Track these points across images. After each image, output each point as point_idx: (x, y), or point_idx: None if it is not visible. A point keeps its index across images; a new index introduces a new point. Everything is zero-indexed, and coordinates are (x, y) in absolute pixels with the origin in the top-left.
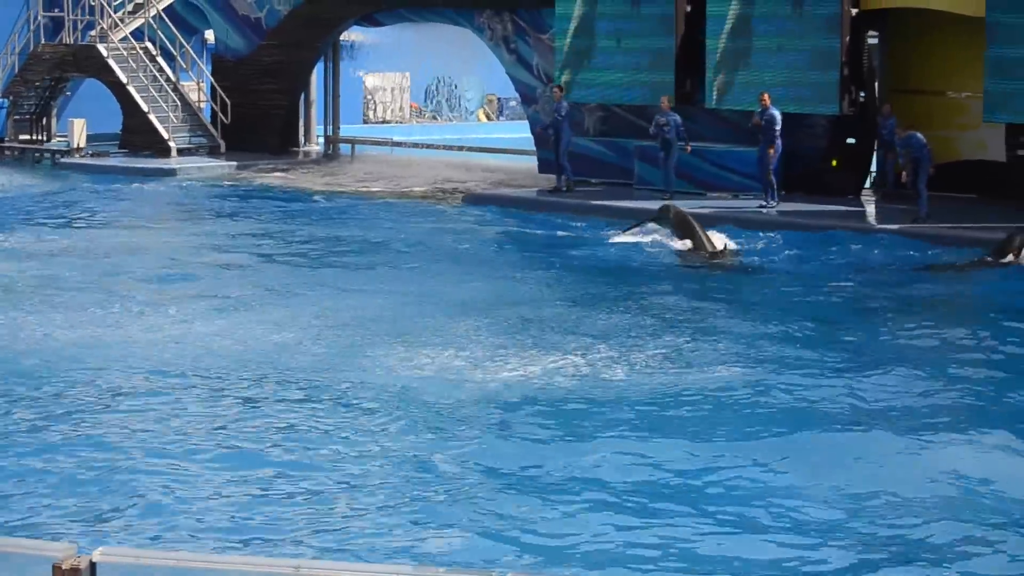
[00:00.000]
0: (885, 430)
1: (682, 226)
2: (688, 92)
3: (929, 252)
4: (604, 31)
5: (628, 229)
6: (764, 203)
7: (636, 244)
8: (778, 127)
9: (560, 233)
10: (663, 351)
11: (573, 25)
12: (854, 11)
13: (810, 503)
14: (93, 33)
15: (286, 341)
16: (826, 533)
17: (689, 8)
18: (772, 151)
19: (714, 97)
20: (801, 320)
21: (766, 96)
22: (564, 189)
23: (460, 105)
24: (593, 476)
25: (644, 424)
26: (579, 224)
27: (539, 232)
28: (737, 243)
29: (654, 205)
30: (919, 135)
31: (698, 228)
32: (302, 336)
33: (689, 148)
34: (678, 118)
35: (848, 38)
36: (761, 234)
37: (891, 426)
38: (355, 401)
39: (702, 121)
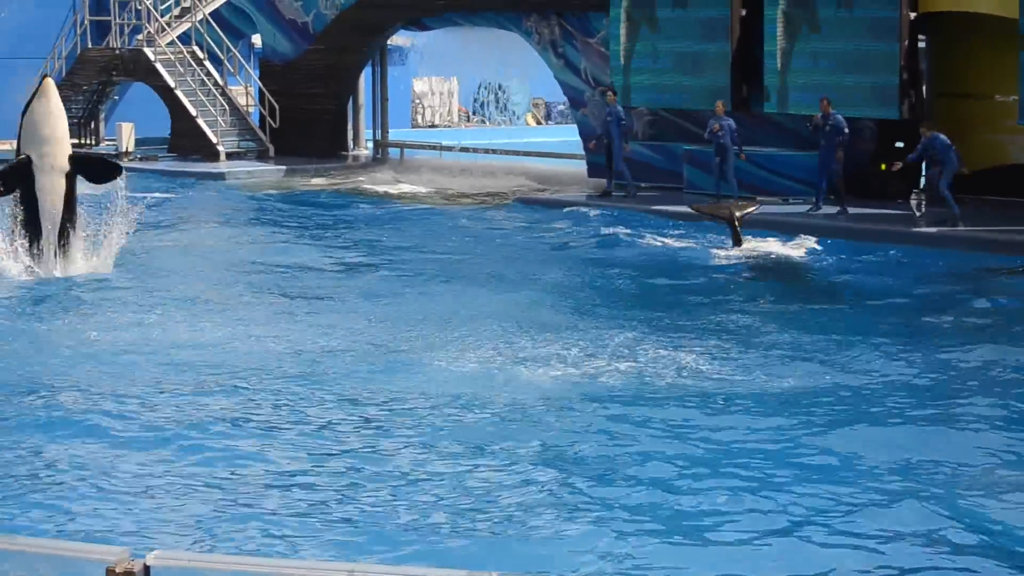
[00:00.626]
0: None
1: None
2: (744, 97)
3: (984, 256)
4: (658, 36)
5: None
6: (815, 207)
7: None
8: (846, 131)
9: (608, 234)
10: (734, 355)
11: (626, 30)
12: (912, 15)
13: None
14: (140, 37)
15: (337, 345)
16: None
17: (744, 12)
18: (840, 156)
19: (771, 102)
20: (880, 322)
21: (826, 101)
22: (624, 194)
23: (508, 109)
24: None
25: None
26: (628, 227)
27: (588, 235)
28: (789, 246)
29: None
30: (943, 136)
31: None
32: (353, 340)
33: (744, 156)
34: (732, 123)
35: (907, 42)
36: (813, 238)
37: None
38: (412, 406)
39: (752, 125)
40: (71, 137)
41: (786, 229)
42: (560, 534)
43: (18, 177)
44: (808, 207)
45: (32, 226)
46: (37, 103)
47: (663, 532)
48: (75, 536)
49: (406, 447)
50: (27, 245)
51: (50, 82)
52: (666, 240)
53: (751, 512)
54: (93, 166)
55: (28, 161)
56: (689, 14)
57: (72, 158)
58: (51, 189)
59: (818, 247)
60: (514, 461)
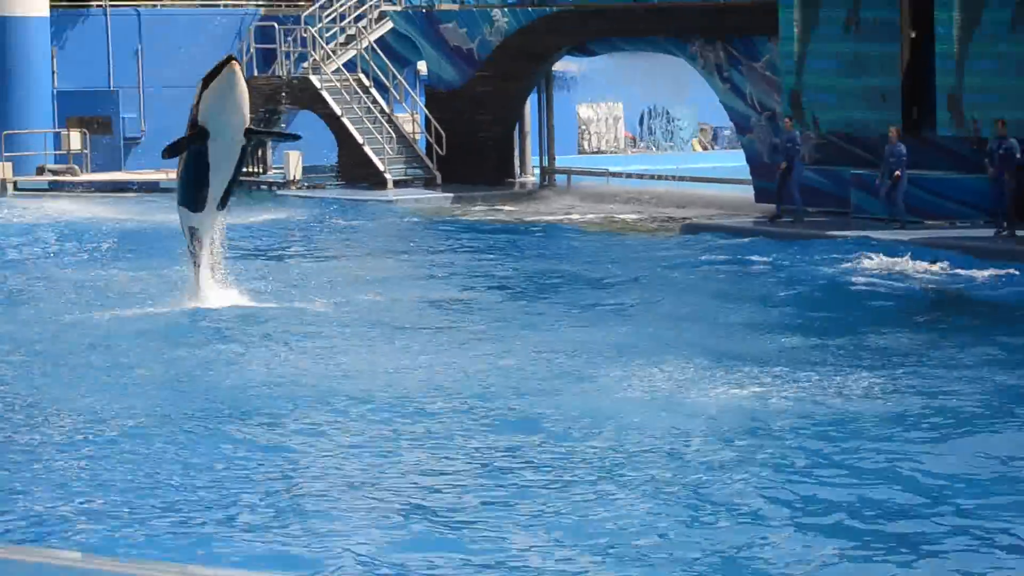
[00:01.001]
0: None
1: None
2: (915, 120)
3: None
4: (828, 63)
5: None
6: (999, 230)
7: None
8: (1018, 155)
9: (777, 261)
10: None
11: (797, 56)
12: None
13: None
14: (306, 65)
15: (511, 371)
16: None
17: (913, 35)
18: (1011, 179)
19: (946, 125)
20: None
21: (1002, 124)
22: (792, 219)
23: (674, 135)
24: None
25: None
26: (799, 252)
27: (757, 261)
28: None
29: (875, 234)
30: (902, 145)
31: None
32: (527, 365)
33: (899, 176)
34: (903, 148)
35: None
36: (990, 263)
37: None
38: (586, 431)
39: (919, 149)
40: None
41: (969, 253)
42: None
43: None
44: (994, 231)
45: (199, 193)
46: (223, 78)
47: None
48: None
49: (586, 474)
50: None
51: (236, 62)
52: (836, 265)
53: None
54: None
55: (205, 133)
56: (859, 39)
57: (248, 130)
58: (225, 157)
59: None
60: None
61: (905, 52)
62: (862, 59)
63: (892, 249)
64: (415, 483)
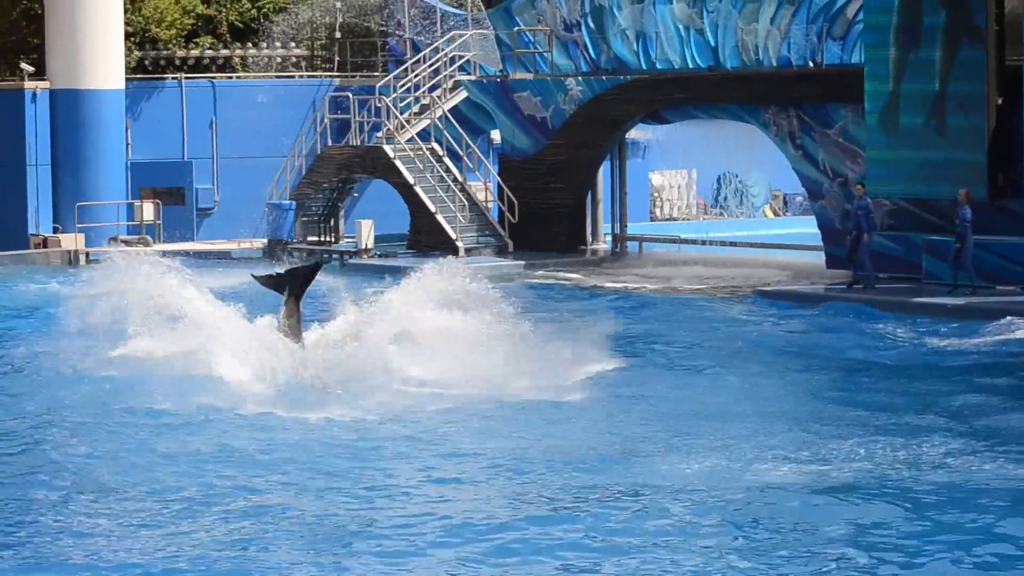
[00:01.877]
0: None
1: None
2: (1001, 186)
3: None
4: (914, 136)
5: None
6: None
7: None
8: None
9: (851, 326)
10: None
11: (881, 128)
12: None
13: None
14: (379, 134)
15: (583, 437)
16: None
17: (1000, 101)
18: None
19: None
20: None
21: None
22: (863, 286)
23: (746, 201)
24: None
25: None
26: (869, 320)
27: (831, 327)
28: None
29: (935, 299)
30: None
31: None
32: (598, 435)
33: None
34: (969, 211)
35: None
36: None
37: None
38: (654, 504)
39: (990, 213)
40: (311, 234)
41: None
42: None
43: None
44: None
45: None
46: None
47: None
48: None
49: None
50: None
51: None
52: (904, 332)
53: None
54: None
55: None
56: (943, 114)
57: None
58: None
59: None
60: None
61: (991, 120)
62: (948, 130)
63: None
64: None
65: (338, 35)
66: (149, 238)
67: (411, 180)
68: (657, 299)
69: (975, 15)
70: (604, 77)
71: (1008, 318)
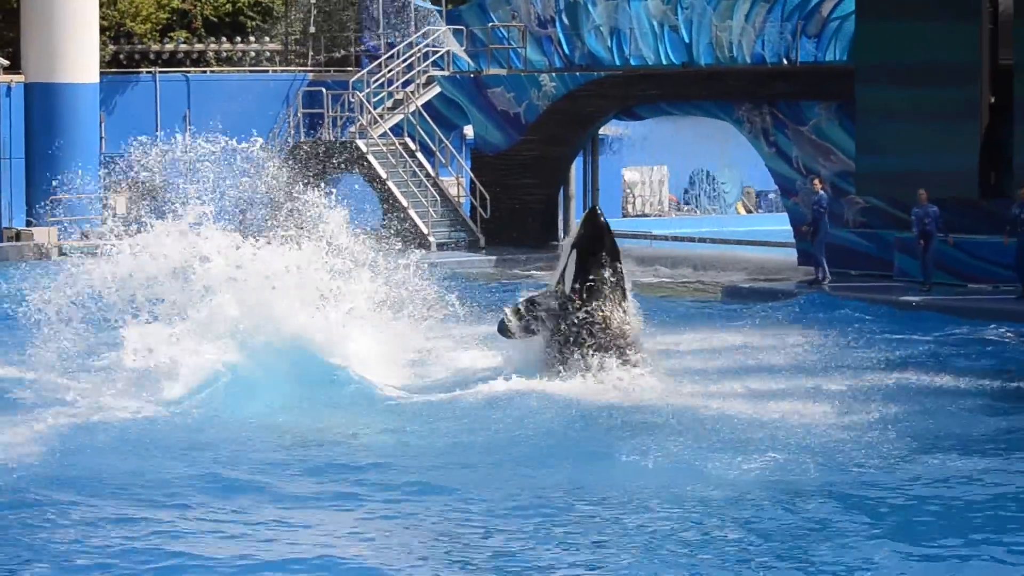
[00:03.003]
0: None
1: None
2: (993, 185)
3: None
4: (905, 135)
5: None
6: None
7: None
8: None
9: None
10: None
11: (872, 127)
12: None
13: None
14: (352, 129)
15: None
16: None
17: (993, 100)
18: None
19: None
20: None
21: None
22: (821, 281)
23: (719, 198)
24: None
25: None
26: (850, 319)
27: (798, 326)
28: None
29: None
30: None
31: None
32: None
33: (952, 241)
34: (936, 210)
35: None
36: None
37: None
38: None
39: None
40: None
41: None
42: None
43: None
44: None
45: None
46: None
47: None
48: None
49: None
50: None
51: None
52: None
53: None
54: None
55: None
56: (934, 108)
57: None
58: None
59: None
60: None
61: (984, 120)
62: (941, 129)
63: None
64: None
65: (312, 30)
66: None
67: (384, 175)
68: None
69: (970, 16)
70: (578, 73)
71: None
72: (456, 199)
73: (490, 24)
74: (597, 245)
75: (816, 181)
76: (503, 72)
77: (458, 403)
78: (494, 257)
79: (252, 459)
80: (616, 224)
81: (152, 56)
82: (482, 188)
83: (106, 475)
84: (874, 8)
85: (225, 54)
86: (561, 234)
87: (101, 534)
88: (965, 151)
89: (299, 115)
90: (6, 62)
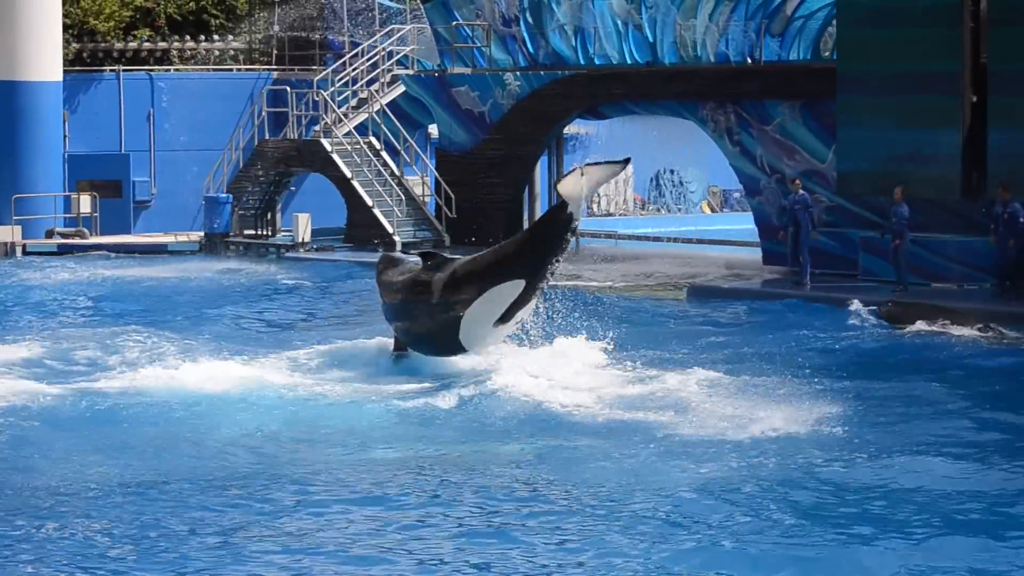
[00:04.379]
0: None
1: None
2: (976, 185)
3: None
4: (887, 134)
5: None
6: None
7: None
8: (1022, 220)
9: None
10: None
11: (853, 126)
12: None
13: None
14: (317, 128)
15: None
16: None
17: (975, 99)
18: (1012, 244)
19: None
20: None
21: (1003, 188)
22: (798, 282)
23: (684, 197)
24: None
25: None
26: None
27: (768, 323)
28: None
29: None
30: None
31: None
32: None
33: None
34: (906, 210)
35: None
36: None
37: None
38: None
39: (932, 212)
40: (248, 228)
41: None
42: None
43: None
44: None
45: None
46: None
47: None
48: None
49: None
50: None
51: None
52: (842, 331)
53: None
54: None
55: None
56: (918, 105)
57: None
58: None
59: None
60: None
61: (966, 119)
62: (922, 128)
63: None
64: None
65: (276, 28)
66: (86, 231)
67: (348, 174)
68: (593, 296)
69: (951, 19)
70: (542, 72)
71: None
72: (421, 198)
73: (454, 23)
74: None
75: (795, 182)
76: (467, 71)
77: None
78: (459, 256)
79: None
80: (581, 224)
81: (115, 54)
82: (447, 187)
83: None
84: (855, 13)
85: (189, 52)
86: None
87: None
88: (946, 153)
89: (264, 114)
90: None
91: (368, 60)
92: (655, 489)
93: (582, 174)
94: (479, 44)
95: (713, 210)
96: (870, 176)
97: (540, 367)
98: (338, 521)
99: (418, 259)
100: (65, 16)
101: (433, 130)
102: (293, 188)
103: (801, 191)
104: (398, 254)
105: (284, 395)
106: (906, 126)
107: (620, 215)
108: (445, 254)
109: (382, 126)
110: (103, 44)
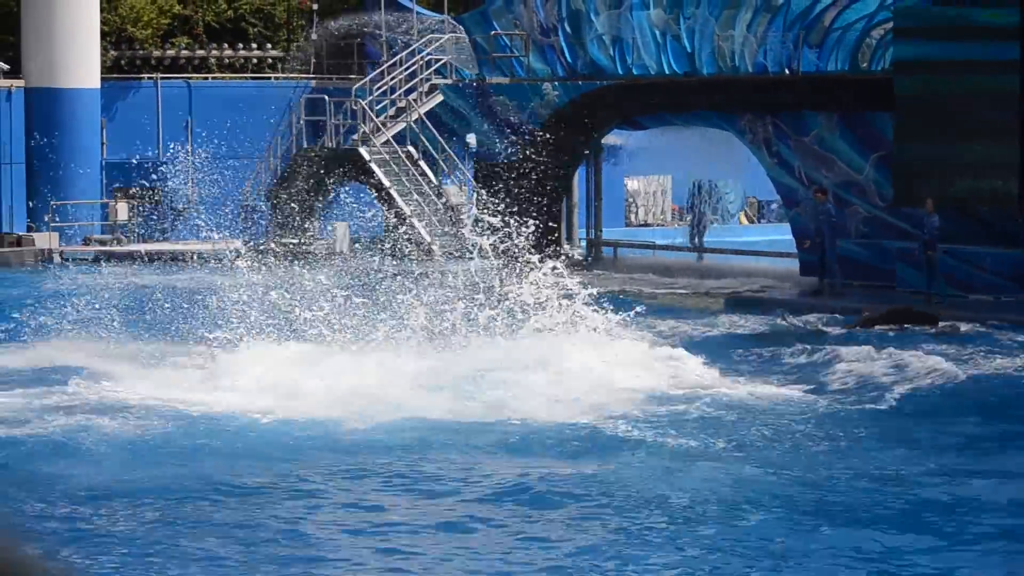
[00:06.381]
0: None
1: None
2: None
3: None
4: (943, 140)
5: None
6: None
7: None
8: None
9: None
10: None
11: (909, 133)
12: None
13: None
14: (355, 137)
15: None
16: None
17: None
18: None
19: None
20: None
21: None
22: (829, 293)
23: (721, 208)
24: None
25: None
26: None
27: (806, 336)
28: None
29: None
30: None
31: None
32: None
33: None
34: (937, 220)
35: None
36: None
37: None
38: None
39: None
40: (286, 236)
41: None
42: None
43: None
44: None
45: None
46: None
47: None
48: None
49: None
50: None
51: None
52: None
53: None
54: None
55: None
56: (974, 120)
57: None
58: None
59: None
60: None
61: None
62: (978, 133)
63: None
64: None
65: (314, 37)
66: (123, 238)
67: (386, 183)
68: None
69: (1007, 15)
70: (580, 82)
71: None
72: (459, 208)
73: (493, 32)
74: None
75: (819, 194)
76: (506, 81)
77: None
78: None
79: None
80: (618, 234)
81: (153, 62)
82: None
83: None
84: (911, 28)
85: (227, 60)
86: (564, 242)
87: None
88: (1004, 165)
89: (301, 122)
90: (6, 67)
91: (406, 69)
92: None
93: None
94: (518, 54)
95: (751, 221)
96: (926, 189)
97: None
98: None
99: None
100: (103, 24)
101: (472, 139)
102: (331, 197)
103: (826, 202)
104: None
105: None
106: (963, 141)
107: (657, 225)
108: None
109: (420, 135)
110: (141, 52)
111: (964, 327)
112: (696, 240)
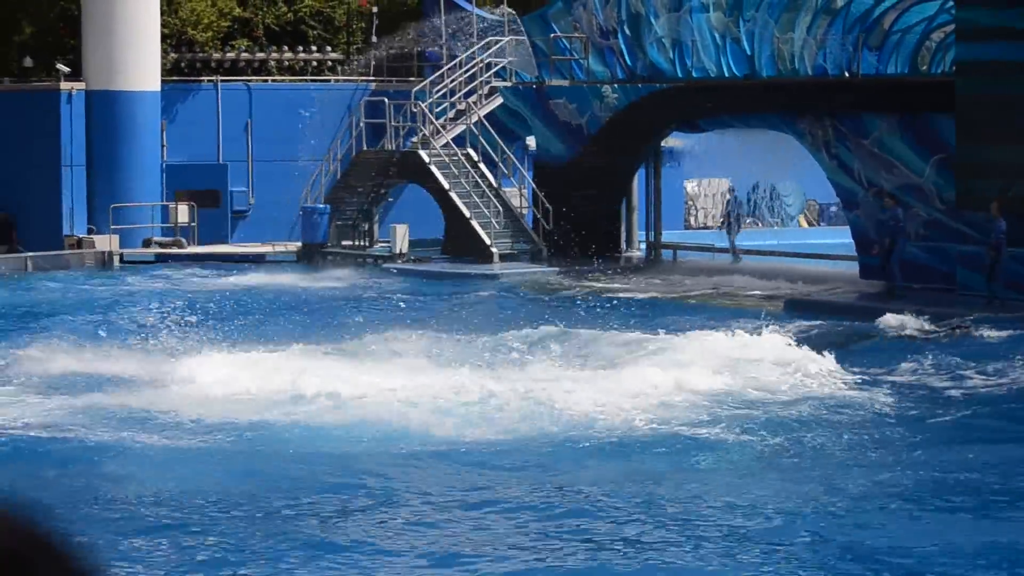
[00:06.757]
0: None
1: None
2: None
3: None
4: (1007, 142)
5: None
6: None
7: None
8: None
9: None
10: None
11: (972, 135)
12: None
13: None
14: (415, 139)
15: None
16: None
17: None
18: None
19: None
20: None
21: None
22: (890, 294)
23: (781, 210)
24: None
25: None
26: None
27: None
28: None
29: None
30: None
31: None
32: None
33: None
34: (1003, 224)
35: None
36: None
37: None
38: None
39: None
40: (346, 238)
41: None
42: None
43: None
44: None
45: None
46: None
47: None
48: None
49: None
50: None
51: None
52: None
53: None
54: None
55: None
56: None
57: None
58: None
59: None
60: None
61: None
62: None
63: None
64: None
65: (374, 39)
66: (183, 241)
67: (446, 185)
68: (689, 308)
69: None
70: (640, 84)
71: None
72: (519, 210)
73: (552, 35)
74: None
75: (889, 198)
76: (565, 83)
77: None
78: (557, 268)
79: None
80: (678, 236)
81: (213, 64)
82: (544, 199)
83: None
84: (973, 30)
85: (287, 63)
86: (624, 245)
87: None
88: None
89: (361, 125)
90: (67, 69)
91: (466, 72)
92: None
93: None
94: (577, 56)
95: (810, 224)
96: (989, 191)
97: None
98: None
99: None
100: (163, 26)
101: (531, 142)
102: (391, 199)
103: (895, 207)
104: None
105: None
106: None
107: (717, 228)
108: None
109: (480, 138)
110: (201, 54)
111: None
112: (730, 243)
